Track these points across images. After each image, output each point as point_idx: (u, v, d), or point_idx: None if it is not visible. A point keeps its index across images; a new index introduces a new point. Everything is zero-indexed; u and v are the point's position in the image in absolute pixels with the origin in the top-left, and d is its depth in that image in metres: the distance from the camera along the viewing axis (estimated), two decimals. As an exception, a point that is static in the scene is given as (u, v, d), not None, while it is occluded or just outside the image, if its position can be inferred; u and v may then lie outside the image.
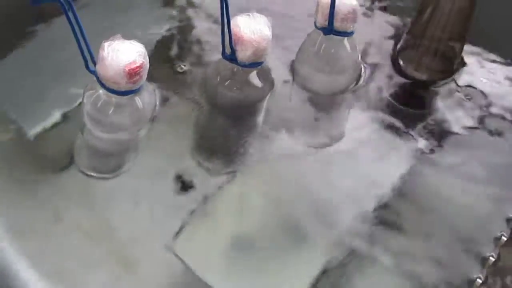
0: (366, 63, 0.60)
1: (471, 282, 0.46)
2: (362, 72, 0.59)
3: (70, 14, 0.43)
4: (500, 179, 0.53)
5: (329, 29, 0.53)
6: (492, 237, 0.49)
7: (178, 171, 0.51)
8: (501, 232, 0.49)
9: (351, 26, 0.53)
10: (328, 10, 0.51)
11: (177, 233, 0.47)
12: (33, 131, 0.53)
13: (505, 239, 0.49)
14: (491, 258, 0.48)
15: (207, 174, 0.51)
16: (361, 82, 0.58)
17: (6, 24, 0.60)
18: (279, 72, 0.58)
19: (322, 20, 0.53)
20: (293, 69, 0.58)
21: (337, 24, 0.52)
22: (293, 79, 0.58)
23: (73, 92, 0.54)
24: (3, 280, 0.44)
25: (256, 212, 0.49)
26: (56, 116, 0.53)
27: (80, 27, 0.44)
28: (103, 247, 0.46)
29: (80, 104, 0.53)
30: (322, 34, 0.54)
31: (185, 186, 0.50)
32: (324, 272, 0.46)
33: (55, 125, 0.53)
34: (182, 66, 0.59)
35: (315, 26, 0.54)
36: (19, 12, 0.61)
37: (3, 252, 0.45)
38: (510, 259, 0.48)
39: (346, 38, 0.54)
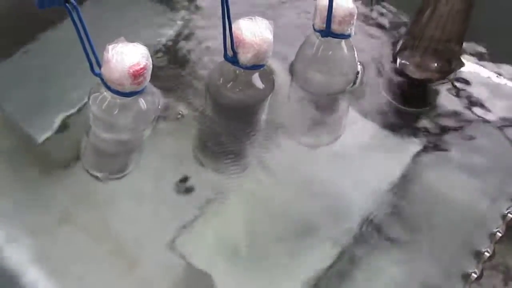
0: (365, 63, 0.61)
1: (467, 276, 0.47)
2: (359, 73, 0.59)
3: (75, 18, 0.45)
4: (496, 176, 0.53)
5: (326, 31, 0.53)
6: (487, 233, 0.50)
7: (181, 171, 0.52)
8: (496, 228, 0.50)
9: (348, 29, 0.54)
10: (326, 13, 0.52)
11: (180, 234, 0.48)
12: (39, 133, 0.53)
13: (500, 235, 0.50)
14: (486, 253, 0.49)
15: (208, 174, 0.52)
16: (358, 82, 0.59)
17: (11, 29, 0.61)
18: (279, 73, 0.59)
19: (320, 23, 0.53)
20: (292, 70, 0.59)
21: (334, 27, 0.53)
22: (292, 80, 0.59)
23: (77, 95, 0.55)
24: (9, 279, 0.45)
25: (257, 212, 0.50)
26: (61, 119, 0.54)
27: (85, 30, 0.45)
28: (107, 247, 0.47)
29: (84, 106, 0.54)
30: (320, 36, 0.55)
31: (187, 186, 0.51)
32: (325, 272, 0.47)
33: (60, 128, 0.54)
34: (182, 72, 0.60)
35: (313, 28, 0.55)
36: (23, 17, 0.62)
37: (10, 251, 0.46)
38: (505, 254, 0.49)
39: (343, 40, 0.55)
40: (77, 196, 0.50)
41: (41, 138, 0.53)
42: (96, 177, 0.51)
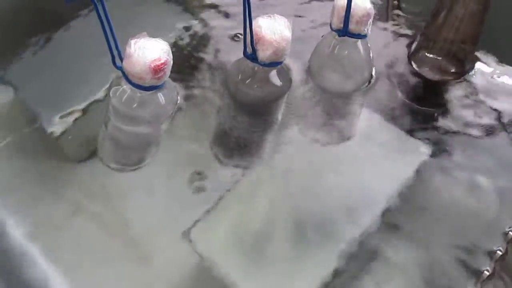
0: (381, 63, 0.61)
1: (479, 273, 0.48)
2: (373, 73, 0.60)
3: (100, 11, 0.45)
4: (508, 177, 0.54)
5: (344, 31, 0.54)
6: (500, 233, 0.50)
7: (195, 166, 0.52)
8: (509, 228, 0.50)
9: (365, 29, 0.54)
10: (343, 13, 0.53)
11: (192, 227, 0.48)
12: (55, 124, 0.54)
13: (512, 234, 0.50)
14: (498, 252, 0.49)
15: (223, 169, 0.53)
16: (373, 82, 0.60)
17: (30, 21, 0.62)
18: (296, 71, 0.59)
19: (338, 23, 0.54)
20: (308, 69, 0.60)
21: (352, 27, 0.54)
22: (308, 79, 0.59)
23: (96, 88, 0.56)
24: (21, 271, 0.45)
25: (270, 207, 0.50)
26: (76, 110, 0.55)
27: (109, 24, 0.46)
28: (119, 240, 0.48)
29: (102, 99, 0.55)
30: (336, 35, 0.55)
31: (202, 181, 0.51)
32: (334, 272, 0.47)
33: (76, 120, 0.55)
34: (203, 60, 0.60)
35: (331, 28, 0.55)
36: (42, 11, 0.63)
37: (21, 243, 0.47)
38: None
39: (359, 40, 0.55)
40: (91, 188, 0.50)
41: (57, 129, 0.54)
42: (112, 169, 0.51)
